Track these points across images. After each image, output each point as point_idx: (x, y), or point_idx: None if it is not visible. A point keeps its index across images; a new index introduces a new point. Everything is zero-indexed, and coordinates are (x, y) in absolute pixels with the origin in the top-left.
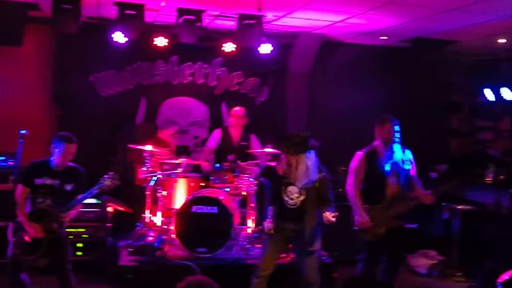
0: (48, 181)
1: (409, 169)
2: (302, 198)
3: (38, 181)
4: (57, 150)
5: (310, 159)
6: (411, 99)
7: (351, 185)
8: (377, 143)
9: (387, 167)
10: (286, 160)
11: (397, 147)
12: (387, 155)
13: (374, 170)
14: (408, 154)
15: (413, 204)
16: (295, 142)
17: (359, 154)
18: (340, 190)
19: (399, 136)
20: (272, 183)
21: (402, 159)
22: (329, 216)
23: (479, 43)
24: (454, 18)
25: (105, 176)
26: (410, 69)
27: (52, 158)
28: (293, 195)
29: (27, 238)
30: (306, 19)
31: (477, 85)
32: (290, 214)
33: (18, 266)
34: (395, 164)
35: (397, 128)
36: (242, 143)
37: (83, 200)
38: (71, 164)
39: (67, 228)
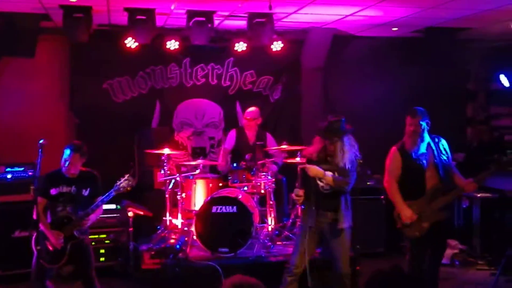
0: (65, 189)
1: (446, 160)
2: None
3: (54, 190)
4: (65, 158)
5: (347, 145)
6: (426, 89)
7: (388, 182)
8: (407, 136)
9: (424, 160)
10: (322, 145)
11: (425, 139)
12: (417, 148)
13: (410, 165)
14: (444, 144)
15: (456, 195)
16: (331, 128)
17: (393, 150)
18: (368, 183)
19: (427, 128)
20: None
21: (438, 150)
22: None
23: (492, 29)
24: (465, 5)
25: (121, 178)
26: (423, 59)
27: (63, 167)
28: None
29: (50, 247)
30: (316, 14)
31: (491, 72)
32: (324, 201)
33: (43, 274)
34: (430, 156)
35: (423, 123)
36: (258, 142)
37: (102, 204)
38: (84, 169)
39: (89, 235)
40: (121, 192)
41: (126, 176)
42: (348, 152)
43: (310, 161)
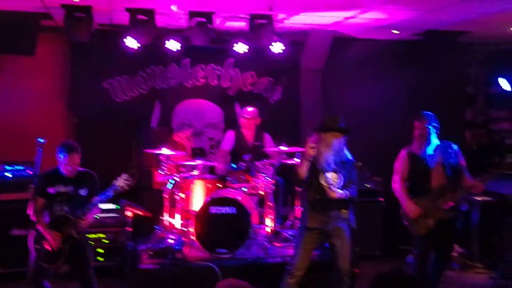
0: (62, 189)
1: (455, 161)
2: (342, 182)
3: (51, 190)
4: (60, 160)
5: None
6: (425, 92)
7: (396, 182)
8: (415, 140)
9: (430, 161)
10: (321, 146)
11: (434, 142)
12: (423, 150)
13: (418, 166)
14: (454, 147)
15: (462, 194)
16: (327, 122)
17: (402, 153)
18: (367, 186)
19: (434, 131)
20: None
21: (445, 152)
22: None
23: (492, 33)
24: (466, 8)
25: (118, 177)
26: (423, 62)
27: (60, 167)
28: (334, 180)
29: (47, 246)
30: (316, 16)
31: (491, 75)
32: (332, 201)
33: (41, 274)
34: (438, 158)
35: (431, 127)
36: (257, 143)
37: (99, 203)
38: (81, 169)
39: (87, 234)
40: (119, 192)
41: (124, 175)
42: (332, 151)
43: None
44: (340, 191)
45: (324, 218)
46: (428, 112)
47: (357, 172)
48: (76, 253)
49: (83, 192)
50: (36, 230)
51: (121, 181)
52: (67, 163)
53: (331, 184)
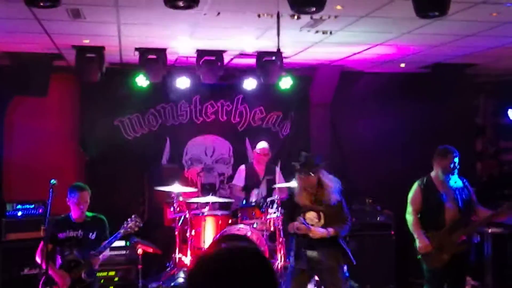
0: (71, 234)
1: (467, 195)
2: (322, 222)
3: (61, 235)
4: (71, 200)
5: (328, 179)
6: (434, 124)
7: (409, 213)
8: (434, 173)
9: (445, 195)
10: (301, 185)
11: (454, 177)
12: (445, 185)
13: (432, 199)
14: (465, 182)
15: (476, 227)
16: (304, 162)
17: (415, 186)
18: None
19: (458, 167)
20: (288, 214)
21: (459, 187)
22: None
23: (500, 65)
24: (474, 43)
25: (129, 219)
26: (431, 94)
27: (70, 213)
28: (313, 220)
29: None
30: (324, 52)
31: (499, 106)
32: (311, 241)
33: None
34: (452, 192)
35: (457, 160)
36: (268, 177)
37: (109, 246)
38: (90, 213)
39: (98, 272)
40: (129, 233)
41: (133, 217)
42: (331, 183)
43: (294, 206)
44: (320, 230)
45: (311, 257)
46: (453, 148)
47: (345, 208)
48: None
49: (92, 236)
50: (45, 274)
51: (131, 223)
52: (78, 202)
53: (309, 224)
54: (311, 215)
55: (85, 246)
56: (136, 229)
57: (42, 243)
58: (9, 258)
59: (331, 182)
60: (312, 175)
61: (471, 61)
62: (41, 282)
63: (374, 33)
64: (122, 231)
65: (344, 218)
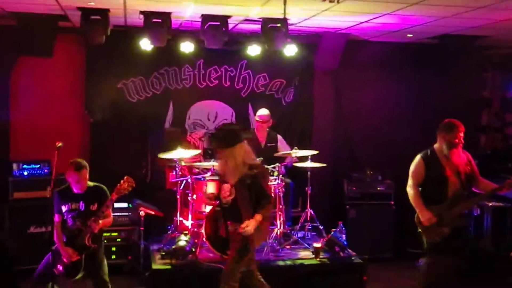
0: (73, 205)
1: (470, 170)
2: (232, 196)
3: (64, 207)
4: (70, 179)
5: (240, 154)
6: (440, 96)
7: (410, 187)
8: (437, 146)
9: (448, 169)
10: (219, 155)
11: (458, 151)
12: (449, 159)
13: (435, 173)
14: (468, 155)
15: (477, 201)
16: (223, 136)
17: (418, 159)
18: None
19: (463, 142)
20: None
21: (463, 161)
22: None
23: (509, 37)
24: (483, 15)
25: (121, 180)
26: (438, 66)
27: (75, 187)
28: (226, 193)
29: (65, 260)
30: (330, 21)
31: (507, 79)
32: (225, 214)
33: (49, 276)
34: (455, 166)
35: (462, 134)
36: (269, 144)
37: (107, 209)
38: (91, 184)
39: (102, 242)
40: (122, 194)
41: (126, 178)
42: (240, 162)
43: None
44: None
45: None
46: (460, 122)
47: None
48: (92, 262)
49: (93, 207)
50: (53, 250)
51: (124, 184)
52: (77, 180)
53: (223, 197)
54: (225, 187)
55: (87, 216)
56: (130, 189)
57: (56, 216)
58: (16, 216)
59: (240, 159)
60: (228, 149)
61: (481, 33)
62: (49, 257)
63: (383, 2)
64: (114, 193)
65: (264, 198)
